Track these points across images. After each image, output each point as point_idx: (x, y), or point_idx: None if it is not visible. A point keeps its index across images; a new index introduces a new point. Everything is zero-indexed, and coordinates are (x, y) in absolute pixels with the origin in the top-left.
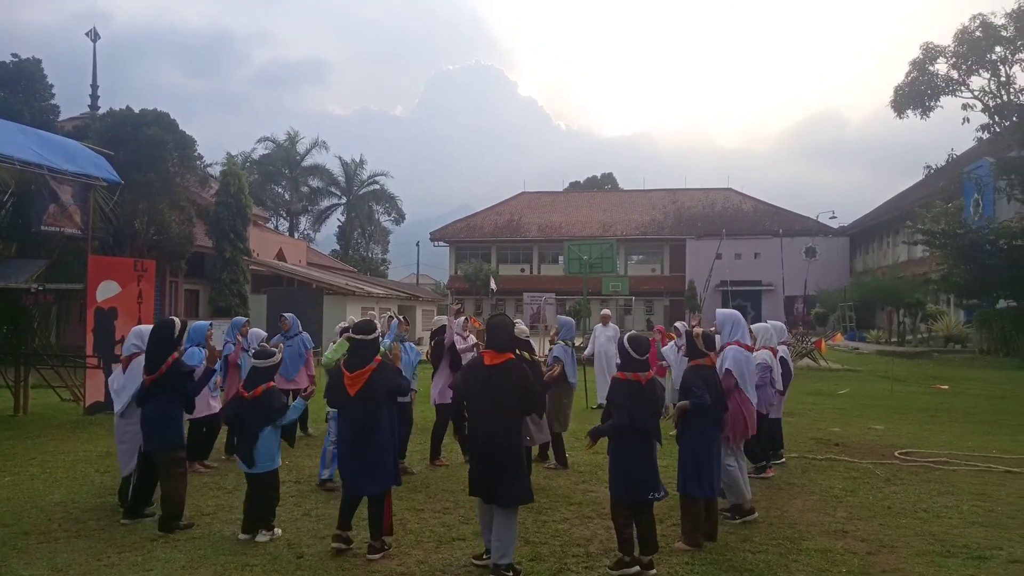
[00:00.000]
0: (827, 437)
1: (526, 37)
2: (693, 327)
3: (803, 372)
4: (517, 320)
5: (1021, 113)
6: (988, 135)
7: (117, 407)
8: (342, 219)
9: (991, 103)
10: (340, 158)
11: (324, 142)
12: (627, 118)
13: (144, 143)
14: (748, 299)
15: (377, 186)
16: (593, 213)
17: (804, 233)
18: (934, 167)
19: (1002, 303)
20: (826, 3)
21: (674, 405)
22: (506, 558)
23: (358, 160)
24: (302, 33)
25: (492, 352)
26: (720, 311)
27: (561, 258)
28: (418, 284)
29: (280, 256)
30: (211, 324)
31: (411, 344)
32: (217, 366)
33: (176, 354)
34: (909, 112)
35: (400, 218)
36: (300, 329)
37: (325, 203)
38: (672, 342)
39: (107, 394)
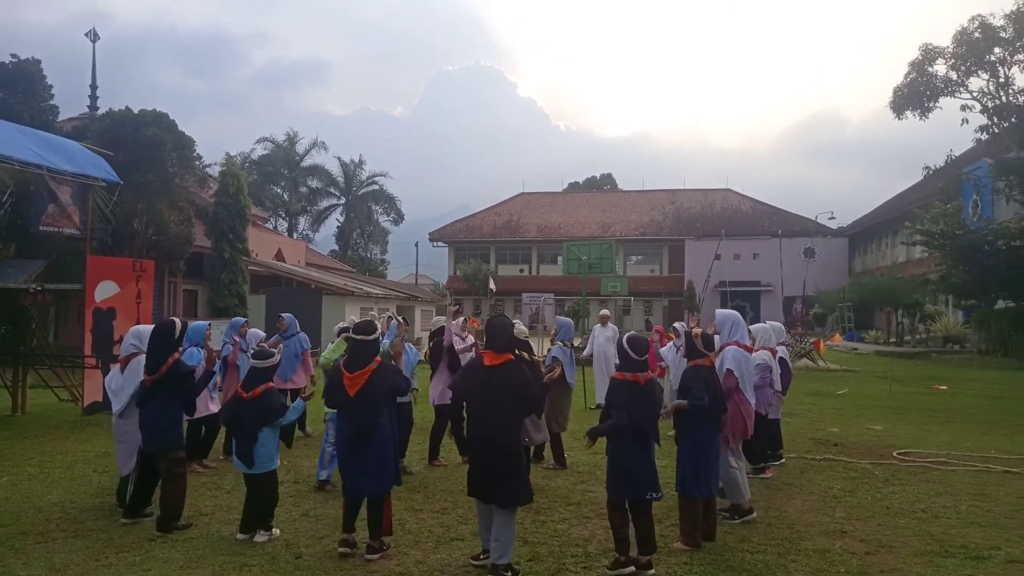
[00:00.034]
0: (826, 437)
1: (526, 38)
2: (692, 328)
3: (802, 372)
4: (516, 321)
5: (1020, 114)
6: (987, 136)
7: (115, 407)
8: (341, 219)
9: (990, 104)
10: (339, 158)
11: (323, 142)
12: (626, 119)
13: (143, 143)
14: (747, 299)
15: (376, 186)
16: (592, 213)
17: (803, 234)
18: (933, 168)
19: (1000, 304)
20: (826, 3)
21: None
22: (505, 558)
23: (357, 160)
24: (302, 33)
25: (492, 353)
26: (720, 311)
27: (560, 258)
28: (417, 284)
29: (279, 256)
30: (210, 324)
31: (410, 345)
32: (216, 367)
33: (177, 355)
34: (908, 113)
35: (399, 218)
36: (298, 329)
37: (324, 203)
38: (671, 343)
39: (105, 394)
